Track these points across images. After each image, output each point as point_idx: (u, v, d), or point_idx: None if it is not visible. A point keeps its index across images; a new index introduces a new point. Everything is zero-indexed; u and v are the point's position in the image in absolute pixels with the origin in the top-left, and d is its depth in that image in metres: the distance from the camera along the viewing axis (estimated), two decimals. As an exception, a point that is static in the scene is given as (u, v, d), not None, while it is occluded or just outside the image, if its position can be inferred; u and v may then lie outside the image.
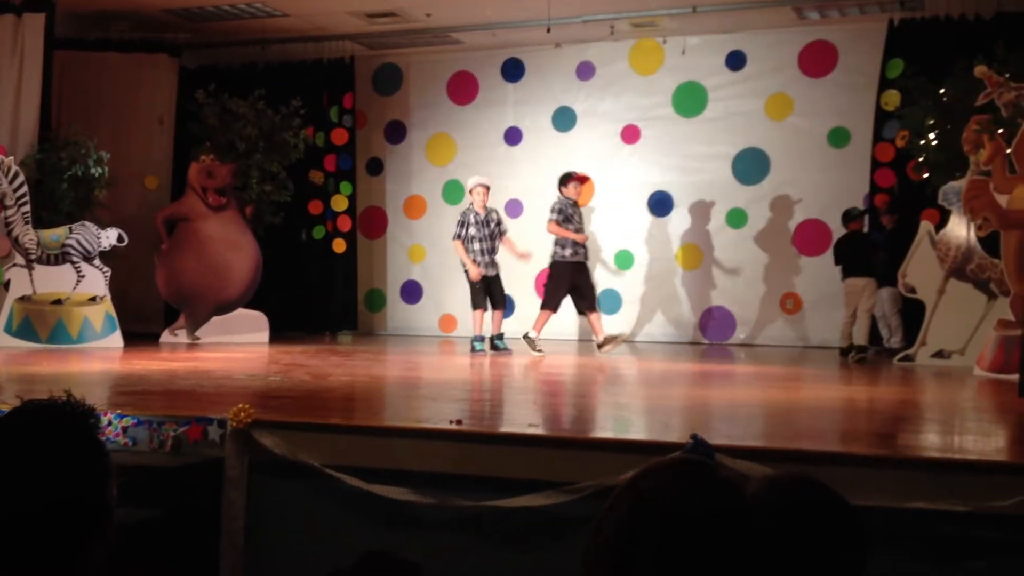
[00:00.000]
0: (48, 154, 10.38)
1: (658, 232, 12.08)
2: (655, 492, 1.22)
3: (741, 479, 1.26)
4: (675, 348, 11.09)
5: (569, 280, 9.86)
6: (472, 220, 9.97)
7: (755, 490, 1.24)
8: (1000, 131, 8.14)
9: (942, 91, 9.36)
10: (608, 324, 12.41)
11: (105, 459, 1.74)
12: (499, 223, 10.16)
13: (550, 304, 9.93)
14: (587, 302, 9.97)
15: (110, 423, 4.70)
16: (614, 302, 12.41)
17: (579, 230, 9.92)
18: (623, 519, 1.22)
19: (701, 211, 11.98)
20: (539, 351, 9.64)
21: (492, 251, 10.04)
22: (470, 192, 10.13)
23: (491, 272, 10.02)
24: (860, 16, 11.19)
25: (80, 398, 1.78)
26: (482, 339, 9.97)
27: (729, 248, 11.90)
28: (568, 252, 9.85)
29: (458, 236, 9.96)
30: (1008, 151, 7.96)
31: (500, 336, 10.05)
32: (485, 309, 10.08)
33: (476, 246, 9.95)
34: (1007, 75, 8.29)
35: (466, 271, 10.04)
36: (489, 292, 10.03)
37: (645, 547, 1.19)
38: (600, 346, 9.89)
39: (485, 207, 10.07)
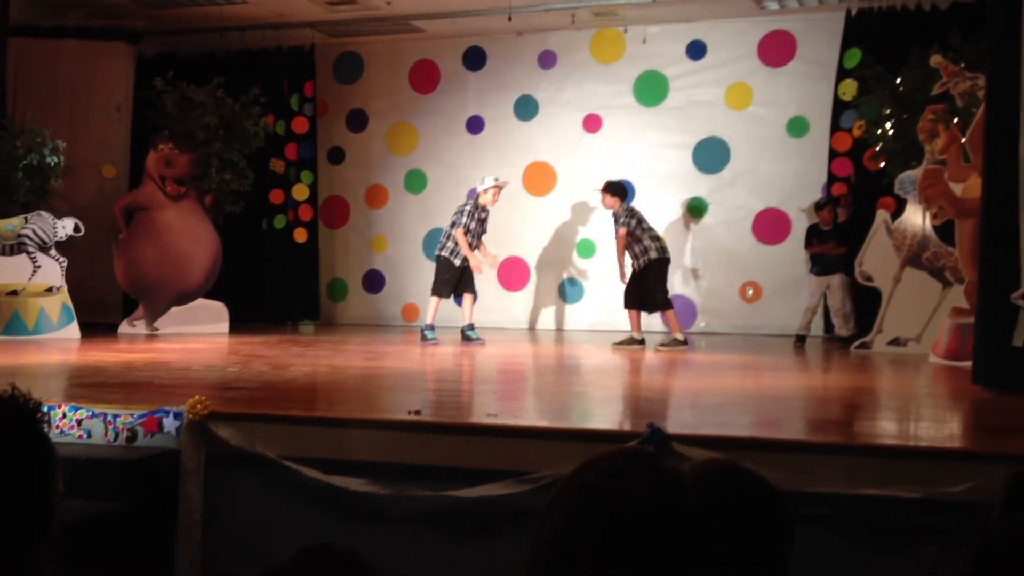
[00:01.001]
0: (3, 142, 10.21)
1: (620, 221, 12.13)
2: (596, 484, 1.24)
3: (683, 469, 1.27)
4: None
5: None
6: (477, 216, 9.99)
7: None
8: (955, 120, 8.24)
9: (898, 81, 9.46)
10: (571, 313, 12.51)
11: (50, 453, 1.72)
12: (487, 222, 10.20)
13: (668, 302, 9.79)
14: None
15: (64, 416, 4.65)
16: (577, 291, 12.45)
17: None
18: (565, 511, 1.23)
19: (662, 200, 12.02)
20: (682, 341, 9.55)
21: (476, 247, 10.11)
22: (484, 191, 10.02)
23: (465, 263, 10.00)
24: (818, 6, 11.27)
25: (26, 391, 1.75)
26: (433, 328, 9.98)
27: (690, 236, 11.97)
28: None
29: (465, 227, 9.92)
30: (963, 140, 8.05)
31: (471, 326, 10.02)
32: (444, 298, 10.09)
33: (471, 240, 9.99)
34: (962, 65, 8.38)
35: (445, 257, 9.99)
36: (460, 281, 10.04)
37: (585, 539, 1.20)
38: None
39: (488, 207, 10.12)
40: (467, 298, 10.09)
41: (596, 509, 1.19)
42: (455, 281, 10.02)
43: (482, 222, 10.09)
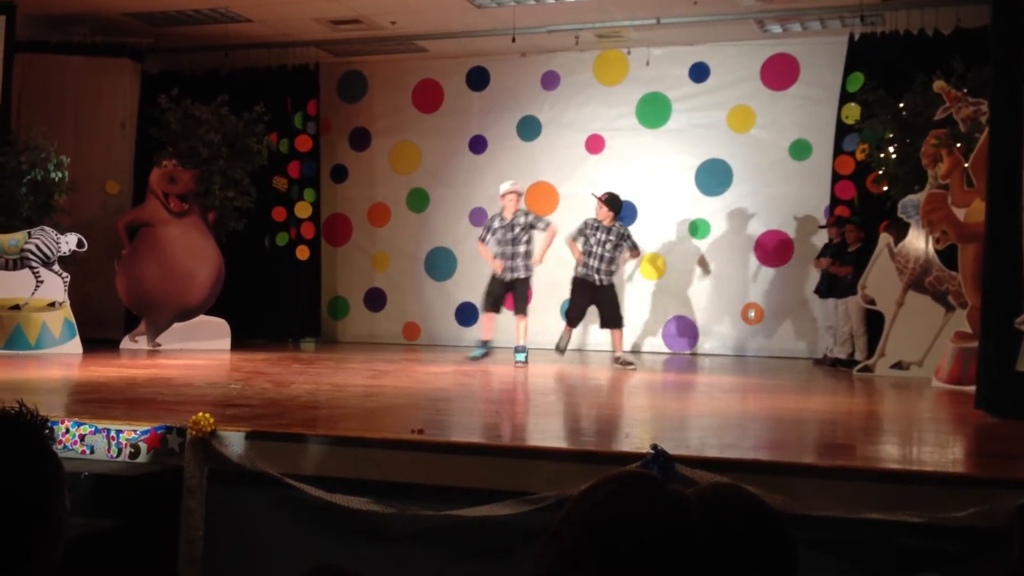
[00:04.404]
0: (7, 158, 10.24)
1: (622, 242, 12.15)
2: (601, 507, 1.24)
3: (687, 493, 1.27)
4: (637, 358, 11.12)
5: (579, 295, 9.73)
6: (497, 225, 9.80)
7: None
8: (958, 145, 8.25)
9: (901, 105, 9.48)
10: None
11: (58, 470, 1.72)
12: (531, 225, 9.77)
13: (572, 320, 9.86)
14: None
15: (67, 431, 4.65)
16: (577, 311, 12.44)
17: (590, 251, 9.60)
18: (569, 535, 1.23)
19: (664, 221, 12.05)
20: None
21: (513, 256, 9.71)
22: (502, 197, 9.84)
23: (510, 276, 9.71)
24: (821, 30, 11.33)
25: (32, 408, 1.75)
26: (485, 344, 9.83)
27: (691, 258, 11.98)
28: (579, 269, 9.70)
29: (482, 239, 9.85)
30: (966, 165, 8.07)
31: (520, 348, 9.63)
32: (494, 312, 9.91)
33: (495, 249, 9.74)
34: (965, 90, 8.40)
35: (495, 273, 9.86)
36: (504, 297, 9.80)
37: (589, 562, 1.21)
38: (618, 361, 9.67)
39: (514, 212, 9.78)
40: (517, 318, 9.80)
41: (601, 532, 1.20)
42: (496, 295, 9.79)
43: (509, 229, 9.70)
